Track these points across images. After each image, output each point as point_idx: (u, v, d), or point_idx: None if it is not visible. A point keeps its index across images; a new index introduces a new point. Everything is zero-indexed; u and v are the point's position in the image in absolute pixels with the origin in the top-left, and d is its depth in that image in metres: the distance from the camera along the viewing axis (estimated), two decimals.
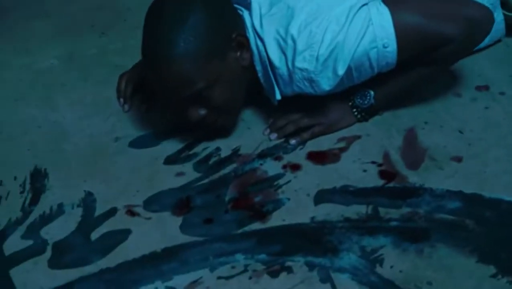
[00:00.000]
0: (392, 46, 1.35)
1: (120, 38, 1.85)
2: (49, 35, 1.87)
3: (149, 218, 1.34)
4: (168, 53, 1.33)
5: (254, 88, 1.48)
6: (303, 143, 1.49)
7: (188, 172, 1.44)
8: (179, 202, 1.37)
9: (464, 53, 1.46)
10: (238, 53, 1.40)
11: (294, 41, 1.35)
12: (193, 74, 1.33)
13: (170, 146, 1.51)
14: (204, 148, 1.50)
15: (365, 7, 1.36)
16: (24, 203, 1.39)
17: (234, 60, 1.40)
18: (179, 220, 1.33)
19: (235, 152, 1.48)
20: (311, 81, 1.37)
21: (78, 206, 1.38)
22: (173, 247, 1.28)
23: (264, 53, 1.40)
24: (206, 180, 1.42)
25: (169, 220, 1.33)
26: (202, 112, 1.40)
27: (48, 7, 1.98)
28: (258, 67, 1.43)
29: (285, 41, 1.36)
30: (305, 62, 1.35)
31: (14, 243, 1.30)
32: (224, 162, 1.46)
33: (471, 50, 1.53)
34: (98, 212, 1.36)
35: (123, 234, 1.31)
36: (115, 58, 1.78)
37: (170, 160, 1.48)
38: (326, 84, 1.38)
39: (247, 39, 1.40)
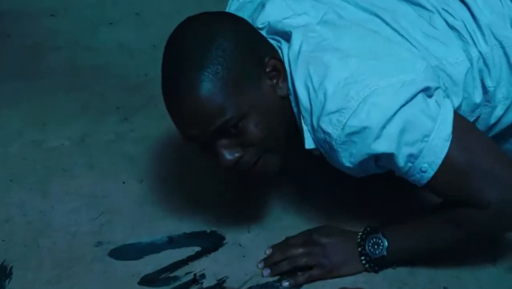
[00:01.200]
0: (428, 174, 1.16)
1: (143, 126, 1.72)
2: (71, 111, 1.77)
3: None
4: (193, 76, 1.12)
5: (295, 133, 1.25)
6: (297, 287, 1.29)
7: None
8: None
9: (494, 230, 1.24)
10: (274, 81, 1.20)
11: (325, 97, 1.14)
12: (222, 100, 1.12)
13: (152, 263, 1.35)
14: (187, 273, 1.33)
15: (430, 100, 1.15)
16: None
17: (270, 89, 1.19)
18: None
19: (220, 284, 1.30)
20: (331, 148, 1.18)
21: None
22: None
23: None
24: None
25: None
26: (237, 154, 1.18)
27: (80, 81, 1.88)
28: (295, 109, 1.22)
29: (315, 92, 1.16)
30: (330, 125, 1.15)
31: None
32: None
33: (504, 231, 1.31)
34: None
35: None
36: (131, 147, 1.65)
37: (147, 280, 1.31)
38: (346, 159, 1.18)
39: (282, 64, 1.21)
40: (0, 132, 1.72)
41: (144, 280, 1.31)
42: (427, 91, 1.16)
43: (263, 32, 1.28)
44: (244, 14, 1.33)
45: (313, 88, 1.16)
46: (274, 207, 1.48)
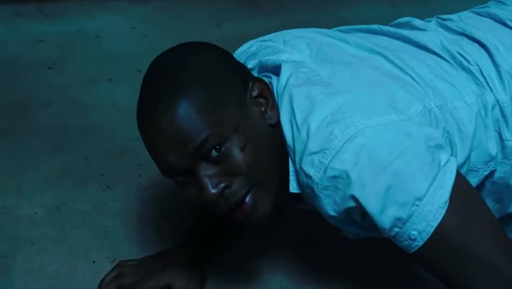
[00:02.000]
0: (418, 243, 1.02)
1: (125, 197, 1.60)
2: (51, 176, 1.65)
3: None
4: (170, 94, 1.04)
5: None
6: None
7: None
8: None
9: None
10: (263, 108, 1.10)
11: (308, 135, 1.03)
12: (202, 118, 1.03)
13: None
14: None
15: (432, 153, 1.01)
16: None
17: (259, 115, 1.09)
18: None
19: None
20: (313, 193, 1.05)
21: None
22: None
23: None
24: None
25: None
26: (222, 184, 1.05)
27: (65, 142, 1.77)
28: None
29: (298, 129, 1.05)
30: (312, 168, 1.03)
31: None
32: None
33: None
34: None
35: None
36: (109, 220, 1.53)
37: None
38: (330, 207, 1.05)
39: (269, 89, 1.11)
40: None
41: None
42: (431, 141, 1.03)
43: (254, 73, 1.19)
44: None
45: (296, 125, 1.05)
46: None
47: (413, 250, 1.03)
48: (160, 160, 1.07)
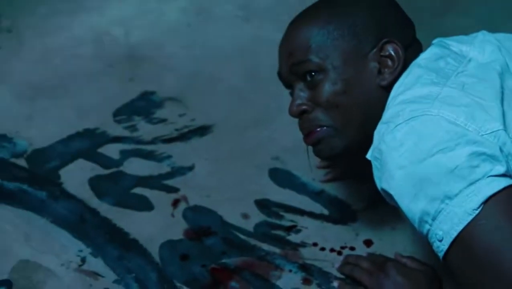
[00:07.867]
0: (443, 246, 0.97)
1: None
2: None
3: None
4: (313, 10, 1.18)
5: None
6: None
7: None
8: None
9: None
10: (386, 70, 1.12)
11: (391, 106, 1.06)
12: (316, 41, 1.13)
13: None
14: (291, 220, 1.40)
15: (478, 165, 0.94)
16: None
17: (372, 70, 1.13)
18: None
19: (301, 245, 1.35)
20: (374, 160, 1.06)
21: None
22: None
23: None
24: None
25: None
26: (305, 106, 1.15)
27: None
28: None
29: (392, 100, 1.07)
30: (377, 134, 1.05)
31: None
32: None
33: None
34: None
35: None
36: None
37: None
38: (378, 180, 1.05)
39: (398, 55, 1.11)
40: None
41: None
42: (485, 148, 0.95)
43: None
44: None
45: (395, 96, 1.07)
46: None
47: (441, 255, 0.98)
48: (278, 61, 1.20)
